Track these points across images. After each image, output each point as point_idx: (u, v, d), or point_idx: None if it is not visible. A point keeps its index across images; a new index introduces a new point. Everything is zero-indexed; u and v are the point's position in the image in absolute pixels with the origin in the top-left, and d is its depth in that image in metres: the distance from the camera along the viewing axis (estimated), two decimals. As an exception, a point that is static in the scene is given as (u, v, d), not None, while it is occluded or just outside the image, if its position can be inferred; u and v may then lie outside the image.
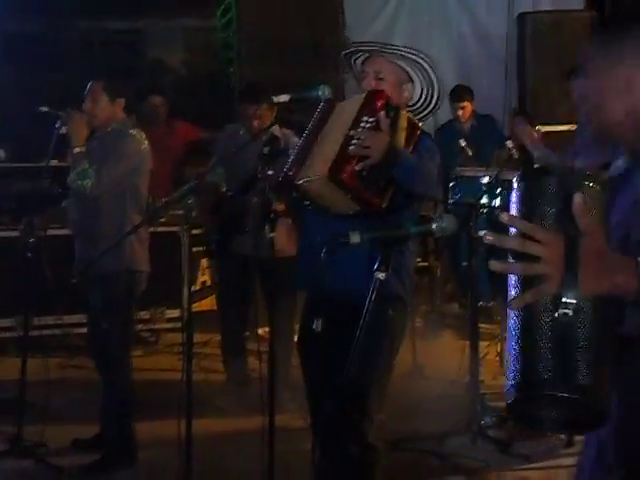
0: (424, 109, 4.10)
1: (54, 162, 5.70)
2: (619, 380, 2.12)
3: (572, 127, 7.14)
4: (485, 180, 6.16)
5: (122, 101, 5.39)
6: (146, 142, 5.40)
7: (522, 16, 8.75)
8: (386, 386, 4.03)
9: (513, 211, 1.98)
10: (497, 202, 6.04)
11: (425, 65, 3.98)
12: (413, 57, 3.97)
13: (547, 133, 7.36)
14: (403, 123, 3.76)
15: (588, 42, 2.30)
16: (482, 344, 6.33)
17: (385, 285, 2.79)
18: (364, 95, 3.83)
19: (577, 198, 1.85)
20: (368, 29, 9.52)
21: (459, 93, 8.80)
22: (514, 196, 1.99)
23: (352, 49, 4.13)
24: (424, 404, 6.17)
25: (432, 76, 3.99)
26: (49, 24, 10.19)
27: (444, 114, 9.03)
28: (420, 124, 4.08)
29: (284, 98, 4.19)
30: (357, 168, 3.64)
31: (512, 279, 1.94)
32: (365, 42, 4.26)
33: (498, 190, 6.05)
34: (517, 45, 8.83)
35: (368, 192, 3.66)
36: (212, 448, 5.27)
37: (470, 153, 7.40)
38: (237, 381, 6.34)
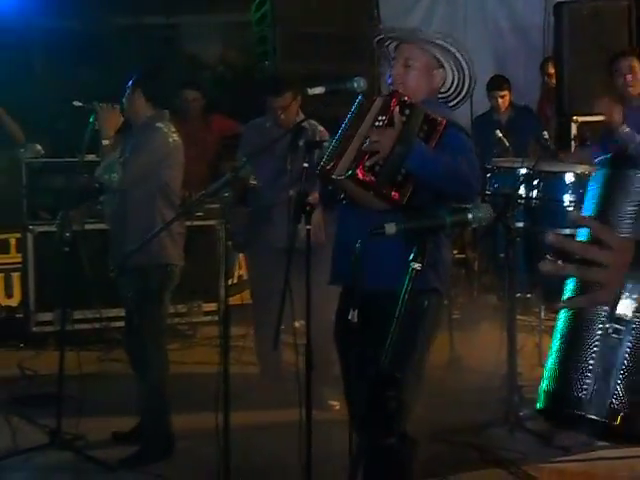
0: (456, 96, 4.09)
1: (92, 157, 5.72)
2: None
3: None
4: (522, 171, 6.12)
5: (155, 99, 5.42)
6: (175, 135, 5.40)
7: (559, 6, 8.64)
8: (422, 377, 4.03)
9: (590, 199, 1.87)
10: (534, 193, 6.00)
11: (455, 52, 3.97)
12: (444, 44, 3.97)
13: (584, 124, 7.32)
14: (418, 118, 3.75)
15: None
16: (520, 336, 6.29)
17: (422, 278, 2.78)
18: (383, 97, 3.86)
19: None
20: (404, 22, 9.49)
21: (497, 82, 8.76)
22: (594, 183, 1.88)
23: (382, 36, 4.13)
24: (462, 396, 6.15)
25: (463, 63, 3.98)
26: (86, 20, 10.25)
27: (481, 105, 8.99)
28: (456, 108, 4.09)
29: (319, 90, 4.19)
30: (368, 163, 3.67)
31: (571, 280, 1.85)
32: (396, 29, 4.25)
33: (535, 181, 6.01)
34: (554, 36, 8.75)
35: (385, 187, 3.68)
36: (249, 440, 5.28)
37: (507, 144, 7.35)
38: (270, 376, 6.34)
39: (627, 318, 1.69)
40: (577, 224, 1.78)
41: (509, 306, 5.94)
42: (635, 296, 1.68)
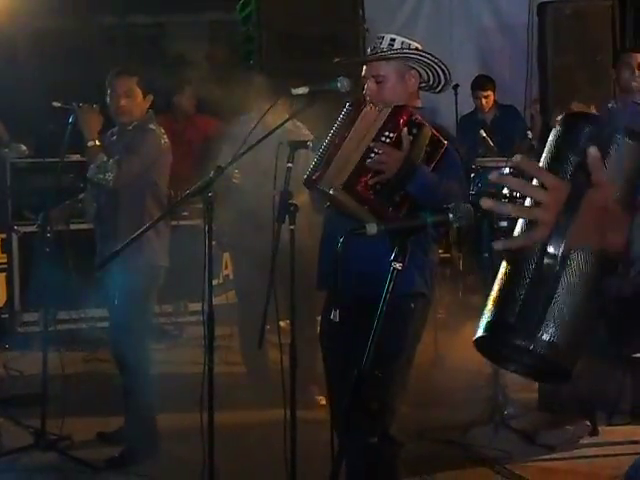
0: (437, 84, 4.11)
1: (76, 157, 5.72)
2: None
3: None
4: (506, 171, 6.13)
5: (151, 97, 5.43)
6: (165, 137, 5.44)
7: (543, 5, 8.68)
8: (407, 378, 4.05)
9: (544, 153, 1.92)
10: (518, 192, 6.01)
11: (413, 56, 3.99)
12: (401, 55, 3.99)
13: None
14: (425, 140, 3.75)
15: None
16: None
17: (408, 282, 2.79)
18: (390, 109, 3.81)
19: (592, 149, 1.76)
20: (390, 22, 9.50)
21: (481, 82, 8.78)
22: (549, 138, 1.93)
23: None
24: (447, 395, 6.17)
25: (427, 60, 4.00)
26: (72, 20, 10.22)
27: (467, 106, 9.02)
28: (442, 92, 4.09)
29: (302, 90, 4.18)
30: (371, 182, 3.67)
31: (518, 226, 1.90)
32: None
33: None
34: (538, 35, 8.79)
35: (382, 205, 3.68)
36: (234, 440, 5.29)
37: (492, 143, 7.39)
38: (256, 376, 6.35)
39: (558, 255, 1.75)
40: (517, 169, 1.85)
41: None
42: (565, 234, 1.75)
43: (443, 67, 4.04)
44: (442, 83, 4.10)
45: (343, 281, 3.32)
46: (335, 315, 3.30)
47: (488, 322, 1.90)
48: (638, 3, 9.22)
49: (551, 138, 1.94)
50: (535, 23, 8.88)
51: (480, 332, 1.91)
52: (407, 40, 4.04)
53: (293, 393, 4.22)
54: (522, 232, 1.85)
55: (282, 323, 6.26)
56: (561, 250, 1.76)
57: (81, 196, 5.84)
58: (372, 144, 3.72)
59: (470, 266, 8.24)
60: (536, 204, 1.78)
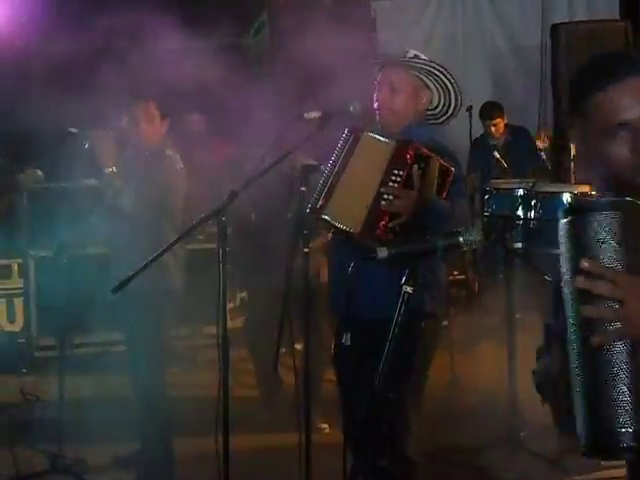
0: (443, 114, 4.12)
1: (92, 182, 5.75)
2: None
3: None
4: (520, 192, 6.14)
5: (167, 121, 5.45)
6: (181, 163, 5.46)
7: (556, 27, 8.71)
8: (420, 398, 4.04)
9: (566, 252, 1.94)
10: (532, 214, 6.02)
11: (438, 72, 4.00)
12: (425, 67, 4.00)
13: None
14: (434, 171, 3.73)
15: None
16: (520, 356, 6.29)
17: (417, 302, 2.80)
18: (394, 144, 3.77)
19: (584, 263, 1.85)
20: (403, 43, 9.52)
21: (488, 111, 8.73)
22: (561, 237, 1.96)
23: (377, 61, 4.16)
24: (463, 416, 6.15)
25: (447, 83, 4.02)
26: (87, 45, 10.27)
27: (480, 127, 9.03)
28: (444, 125, 4.11)
29: (315, 114, 4.19)
30: (391, 225, 3.66)
31: (569, 315, 1.91)
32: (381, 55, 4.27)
33: (533, 202, 6.03)
34: (551, 56, 8.81)
35: (399, 242, 3.65)
36: (250, 464, 5.28)
37: (505, 165, 7.39)
38: (270, 401, 6.33)
39: None
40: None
41: (509, 326, 5.95)
42: None
43: (458, 94, 4.05)
44: (450, 112, 4.11)
45: (354, 305, 3.33)
46: (347, 339, 3.31)
47: (589, 432, 1.90)
48: None
49: (572, 234, 1.94)
50: (548, 44, 8.90)
51: (584, 446, 1.94)
52: (429, 59, 4.08)
53: (308, 417, 4.22)
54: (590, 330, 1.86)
55: (298, 346, 6.30)
56: None
57: (92, 220, 5.87)
58: (384, 187, 3.69)
59: (486, 287, 8.25)
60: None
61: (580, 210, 1.96)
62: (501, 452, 5.60)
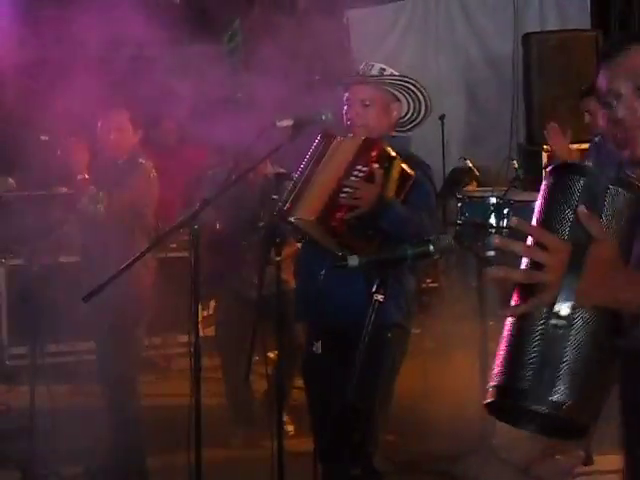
0: (410, 122, 4.14)
1: (63, 190, 5.73)
2: (623, 396, 2.17)
3: (580, 146, 7.16)
4: (493, 200, 6.16)
5: (140, 132, 5.46)
6: (154, 170, 5.47)
7: (527, 36, 8.76)
8: (388, 408, 4.03)
9: (537, 207, 1.95)
10: (504, 222, 6.04)
11: (410, 85, 4.02)
12: (398, 82, 4.02)
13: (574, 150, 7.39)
14: (396, 173, 3.76)
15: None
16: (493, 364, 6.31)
17: (384, 313, 2.80)
18: (360, 141, 3.81)
19: (581, 208, 1.81)
20: (376, 52, 9.55)
21: (459, 178, 8.48)
22: (541, 191, 1.96)
23: (344, 82, 4.18)
24: (436, 425, 6.14)
25: (419, 94, 4.04)
26: (59, 50, 10.22)
27: (453, 135, 9.05)
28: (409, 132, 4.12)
29: (287, 123, 4.20)
30: (346, 217, 3.68)
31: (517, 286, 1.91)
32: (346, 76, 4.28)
33: (505, 210, 6.05)
34: (523, 66, 8.85)
35: (355, 239, 3.69)
36: (222, 473, 5.27)
37: (477, 173, 7.43)
38: (238, 416, 6.29)
39: (565, 315, 1.78)
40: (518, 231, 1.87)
41: (481, 334, 5.96)
42: (572, 295, 1.78)
43: (428, 103, 4.08)
44: (417, 121, 4.13)
45: (324, 314, 3.34)
46: (317, 347, 3.31)
47: (498, 387, 1.92)
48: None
49: (543, 191, 1.96)
50: (520, 54, 8.95)
51: (491, 397, 1.94)
52: (395, 72, 4.09)
53: (280, 425, 4.22)
54: (526, 297, 1.86)
55: (270, 354, 6.29)
56: (568, 310, 1.79)
57: (66, 228, 5.86)
58: (345, 180, 3.71)
59: (458, 295, 8.27)
60: (537, 265, 1.80)
61: (561, 169, 1.97)
62: (473, 460, 5.61)
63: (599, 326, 1.87)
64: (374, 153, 3.74)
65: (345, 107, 4.08)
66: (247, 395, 6.26)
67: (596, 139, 6.56)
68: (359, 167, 3.74)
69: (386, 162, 3.74)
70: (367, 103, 4.01)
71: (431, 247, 2.72)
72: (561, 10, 9.82)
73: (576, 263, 1.78)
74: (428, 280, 8.48)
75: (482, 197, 6.37)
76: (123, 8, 7.97)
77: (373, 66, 4.09)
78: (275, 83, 7.64)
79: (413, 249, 2.74)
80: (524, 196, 6.28)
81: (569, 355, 1.84)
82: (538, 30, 9.31)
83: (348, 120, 4.06)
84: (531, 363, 1.85)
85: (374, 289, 2.70)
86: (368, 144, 3.78)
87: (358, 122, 4.01)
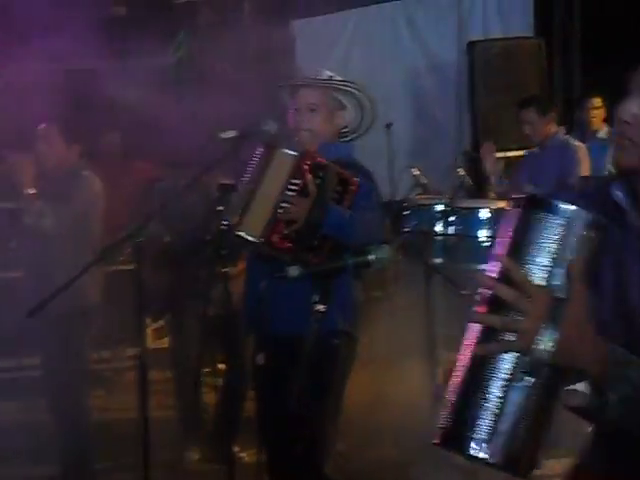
0: (354, 132, 4.17)
1: (8, 205, 5.69)
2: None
3: (523, 153, 7.25)
4: (439, 208, 6.20)
5: (78, 147, 5.43)
6: (98, 183, 5.44)
7: (471, 44, 8.85)
8: (337, 417, 4.03)
9: (504, 238, 1.87)
10: (451, 230, 6.08)
11: (356, 92, 4.05)
12: (343, 87, 4.04)
13: (499, 159, 7.45)
14: (333, 181, 3.77)
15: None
16: (442, 370, 6.34)
17: (329, 321, 2.80)
18: (295, 155, 3.81)
19: (577, 259, 1.77)
20: (322, 64, 9.56)
21: None
22: (508, 225, 1.88)
23: (282, 83, 4.19)
24: (387, 433, 6.17)
25: (364, 102, 4.06)
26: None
27: (400, 144, 9.08)
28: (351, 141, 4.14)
29: (230, 134, 4.19)
30: (286, 232, 3.70)
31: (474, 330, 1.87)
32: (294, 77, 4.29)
33: (452, 217, 6.09)
34: (467, 73, 8.93)
35: (302, 252, 3.69)
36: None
37: (425, 181, 7.45)
38: (189, 429, 6.26)
39: (535, 369, 1.76)
40: (499, 262, 1.82)
41: (430, 341, 5.99)
42: (543, 349, 1.75)
43: (373, 113, 4.10)
44: (360, 131, 4.16)
45: (268, 324, 3.34)
46: (260, 358, 3.31)
47: (448, 430, 1.89)
48: (565, 42, 9.44)
49: (518, 225, 1.87)
50: (464, 62, 9.03)
51: (438, 439, 1.91)
52: (344, 79, 4.11)
53: (229, 436, 4.22)
54: (489, 336, 1.82)
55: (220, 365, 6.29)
56: (537, 363, 1.77)
57: (12, 244, 5.82)
58: (281, 196, 3.74)
59: (407, 303, 8.30)
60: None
61: (532, 205, 1.89)
62: (424, 467, 5.63)
63: (555, 382, 1.85)
64: (307, 165, 3.75)
65: (291, 112, 4.09)
66: (198, 408, 6.23)
67: (535, 150, 6.67)
68: (293, 181, 3.75)
69: (320, 171, 3.76)
70: (314, 108, 4.03)
71: (371, 257, 2.74)
72: (504, 18, 9.90)
73: (556, 316, 1.75)
74: (377, 288, 8.50)
75: (428, 205, 6.40)
76: (66, 20, 7.95)
77: (322, 72, 4.12)
78: (221, 93, 7.67)
79: (353, 259, 2.75)
80: (470, 203, 6.33)
81: (530, 412, 1.82)
82: (482, 38, 9.39)
83: (294, 125, 4.07)
84: (488, 413, 1.82)
85: (314, 299, 2.71)
86: (301, 157, 3.79)
87: (304, 126, 4.03)
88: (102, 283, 5.49)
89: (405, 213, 6.55)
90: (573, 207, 1.83)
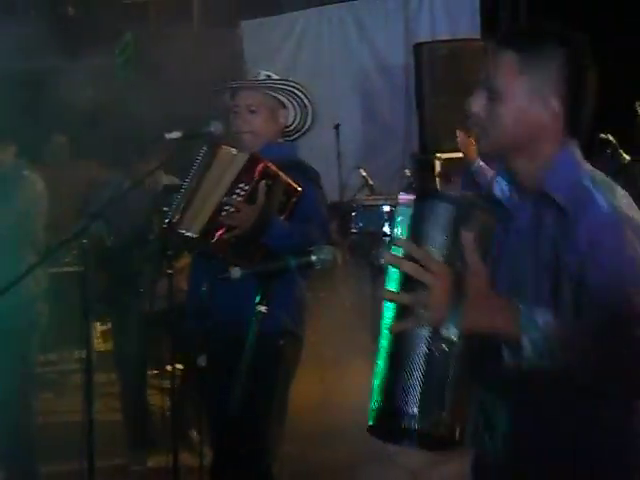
0: (297, 131, 4.17)
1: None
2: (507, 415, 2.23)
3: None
4: (386, 209, 6.23)
5: (13, 148, 5.36)
6: (41, 183, 5.37)
7: (418, 46, 8.90)
8: (284, 418, 4.04)
9: (400, 231, 2.01)
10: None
11: (297, 91, 4.05)
12: (283, 86, 4.04)
13: (446, 160, 7.51)
14: (280, 190, 3.77)
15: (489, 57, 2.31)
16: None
17: (274, 321, 2.80)
18: (245, 158, 3.81)
19: (467, 235, 1.89)
20: (269, 64, 9.56)
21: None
22: (402, 216, 2.02)
23: (220, 87, 4.18)
24: (334, 434, 6.17)
25: (305, 100, 4.07)
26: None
27: (347, 145, 9.10)
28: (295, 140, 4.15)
29: (175, 135, 4.17)
30: (225, 237, 3.69)
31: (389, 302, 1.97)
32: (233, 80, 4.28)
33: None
34: (415, 75, 8.98)
35: (237, 257, 3.67)
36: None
37: (371, 182, 7.50)
38: (134, 432, 6.22)
39: (451, 340, 1.86)
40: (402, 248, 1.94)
41: (377, 342, 5.99)
42: (456, 320, 1.86)
43: (314, 112, 4.11)
44: (303, 130, 4.16)
45: (212, 325, 3.33)
46: (202, 360, 3.30)
47: (379, 410, 1.96)
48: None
49: (412, 216, 2.01)
50: (412, 63, 9.06)
51: (372, 421, 1.99)
52: (282, 78, 4.11)
53: (175, 439, 4.20)
54: (404, 316, 1.93)
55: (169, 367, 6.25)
56: (455, 334, 1.87)
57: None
58: (225, 199, 3.72)
59: (354, 303, 8.32)
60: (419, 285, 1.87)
61: (421, 196, 2.04)
62: (371, 468, 5.64)
63: (472, 351, 1.94)
64: (257, 171, 3.74)
65: (232, 114, 4.08)
66: (143, 410, 6.20)
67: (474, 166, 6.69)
68: (241, 185, 3.74)
69: (269, 180, 3.75)
70: (253, 109, 4.03)
71: (313, 257, 2.74)
72: (452, 20, 9.97)
73: (458, 289, 1.87)
74: (325, 289, 8.51)
75: (376, 206, 6.43)
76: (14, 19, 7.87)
77: (260, 73, 4.12)
78: (167, 94, 7.64)
79: (296, 260, 2.76)
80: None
81: (450, 378, 1.91)
82: (430, 40, 9.44)
83: (234, 127, 4.06)
84: (413, 384, 1.90)
85: (257, 300, 2.71)
86: (252, 161, 3.78)
87: (244, 128, 4.03)
88: (47, 284, 5.42)
89: (353, 214, 6.58)
90: (458, 194, 2.01)
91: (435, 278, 1.86)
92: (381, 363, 1.98)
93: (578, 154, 2.27)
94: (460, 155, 6.61)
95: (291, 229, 3.73)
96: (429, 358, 1.89)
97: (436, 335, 1.87)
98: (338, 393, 6.84)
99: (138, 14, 10.20)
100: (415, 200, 2.02)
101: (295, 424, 4.17)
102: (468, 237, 1.89)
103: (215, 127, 4.14)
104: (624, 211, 2.13)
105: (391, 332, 1.96)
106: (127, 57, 8.63)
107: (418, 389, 1.89)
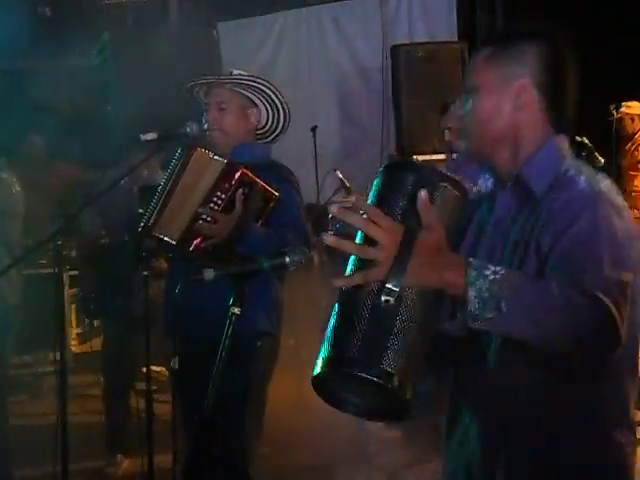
0: (272, 132, 4.17)
1: None
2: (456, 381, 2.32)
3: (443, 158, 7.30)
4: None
5: None
6: (17, 185, 5.36)
7: (396, 48, 8.91)
8: (261, 419, 4.03)
9: (369, 198, 2.02)
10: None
11: (266, 90, 4.05)
12: (253, 84, 4.04)
13: (423, 162, 7.51)
14: (256, 198, 3.76)
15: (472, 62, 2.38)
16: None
17: (252, 322, 2.79)
18: (222, 166, 3.78)
19: (422, 193, 1.90)
20: (248, 66, 9.53)
21: None
22: (373, 184, 2.04)
23: (191, 84, 4.18)
24: (310, 435, 6.18)
25: (276, 101, 4.07)
26: None
27: (325, 147, 9.10)
28: (274, 142, 4.18)
29: (151, 136, 4.16)
30: (202, 245, 3.70)
31: (352, 260, 1.99)
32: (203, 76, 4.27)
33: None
34: (392, 77, 9.00)
35: (213, 262, 3.64)
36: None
37: (348, 184, 7.48)
38: (115, 434, 6.19)
39: (396, 291, 1.87)
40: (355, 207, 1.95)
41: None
42: (402, 273, 1.88)
43: (286, 109, 4.11)
44: (279, 130, 4.16)
45: (187, 328, 3.33)
46: (175, 362, 3.29)
47: (326, 358, 1.97)
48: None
49: (377, 183, 2.04)
50: (389, 66, 9.08)
51: (318, 369, 1.99)
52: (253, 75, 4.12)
53: (150, 441, 4.19)
54: (357, 270, 1.94)
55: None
56: (399, 287, 1.87)
57: None
58: (201, 209, 3.71)
59: (332, 304, 8.30)
60: (370, 242, 1.89)
61: (389, 166, 2.09)
62: (348, 468, 5.66)
63: (425, 307, 1.96)
64: (235, 179, 3.73)
65: (204, 112, 4.08)
66: (125, 412, 6.18)
67: (454, 156, 6.71)
68: (218, 194, 3.73)
69: (246, 188, 3.74)
70: (223, 107, 4.03)
71: (287, 259, 2.75)
72: (429, 23, 9.99)
73: (407, 244, 1.88)
74: (304, 290, 8.51)
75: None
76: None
77: (232, 72, 4.12)
78: (143, 96, 7.63)
79: (269, 261, 2.76)
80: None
81: (397, 330, 1.91)
82: (407, 42, 9.46)
83: (206, 123, 4.06)
84: (361, 333, 1.91)
85: (231, 302, 2.71)
86: (229, 169, 3.76)
87: (214, 126, 4.02)
88: (22, 285, 5.40)
89: (329, 215, 6.55)
90: (426, 165, 2.03)
91: (384, 232, 1.87)
92: (332, 315, 2.00)
93: (565, 149, 2.31)
94: (439, 157, 6.63)
95: (268, 235, 3.73)
96: (375, 309, 1.91)
97: (383, 288, 1.88)
98: (314, 395, 6.84)
99: (116, 15, 10.16)
100: (383, 169, 2.05)
101: (272, 425, 4.17)
102: (424, 197, 1.90)
103: (191, 128, 4.14)
104: (607, 194, 2.17)
105: (336, 285, 1.97)
106: (105, 57, 8.59)
107: (363, 337, 1.90)
